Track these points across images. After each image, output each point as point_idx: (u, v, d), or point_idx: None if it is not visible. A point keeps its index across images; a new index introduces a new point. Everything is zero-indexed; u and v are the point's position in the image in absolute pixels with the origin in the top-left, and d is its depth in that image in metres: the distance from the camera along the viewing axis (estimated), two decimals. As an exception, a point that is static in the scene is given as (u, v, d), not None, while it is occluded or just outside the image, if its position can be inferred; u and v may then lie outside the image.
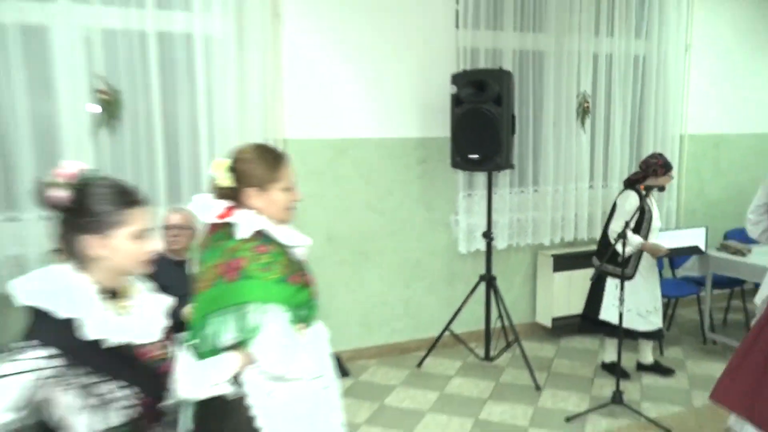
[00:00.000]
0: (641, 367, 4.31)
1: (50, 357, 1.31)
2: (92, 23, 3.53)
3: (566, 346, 4.81)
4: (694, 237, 4.29)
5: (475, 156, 4.11)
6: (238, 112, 3.86)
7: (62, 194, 1.37)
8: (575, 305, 4.79)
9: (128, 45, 3.62)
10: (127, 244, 1.42)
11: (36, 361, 1.30)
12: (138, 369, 1.45)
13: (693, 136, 5.53)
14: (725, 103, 5.67)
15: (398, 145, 4.45)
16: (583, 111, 4.95)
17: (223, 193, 1.84)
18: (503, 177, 4.70)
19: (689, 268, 4.69)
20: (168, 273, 3.32)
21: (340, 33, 4.18)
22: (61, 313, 1.36)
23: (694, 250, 4.34)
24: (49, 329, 1.34)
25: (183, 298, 3.26)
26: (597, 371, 4.32)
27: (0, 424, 1.28)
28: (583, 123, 4.97)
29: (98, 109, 3.59)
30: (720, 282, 4.84)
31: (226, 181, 1.83)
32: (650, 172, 3.93)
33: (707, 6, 5.43)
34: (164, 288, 3.38)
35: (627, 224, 3.59)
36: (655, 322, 4.08)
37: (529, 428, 3.54)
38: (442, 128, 4.43)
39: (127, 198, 1.44)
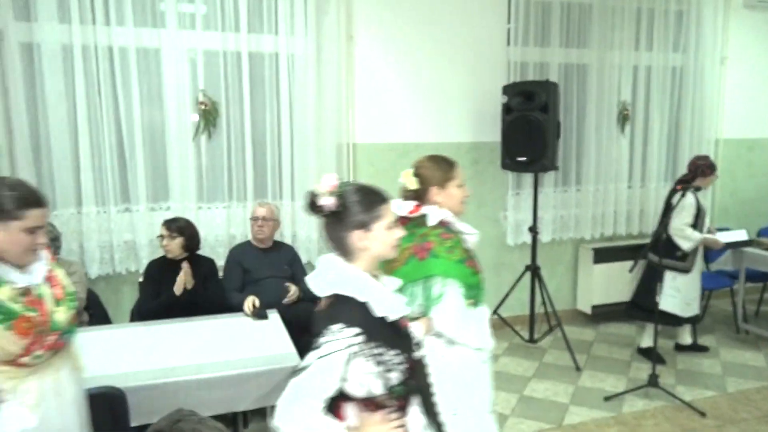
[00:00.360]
0: (681, 348, 4.21)
1: (356, 335, 1.40)
2: (196, 45, 3.67)
3: (604, 332, 4.70)
4: (737, 236, 4.21)
5: (523, 158, 4.07)
6: (316, 120, 3.92)
7: (330, 201, 1.46)
8: (614, 294, 4.71)
9: (225, 63, 3.74)
10: (384, 234, 1.50)
11: (347, 339, 1.39)
12: (404, 338, 1.54)
13: (728, 140, 5.28)
14: (759, 109, 5.37)
15: (453, 148, 4.43)
16: (623, 118, 4.82)
17: (409, 194, 2.07)
18: (548, 177, 4.64)
19: (723, 263, 4.51)
20: (252, 258, 3.45)
21: (404, 52, 4.20)
22: (360, 297, 1.45)
23: (745, 244, 4.24)
24: (350, 312, 1.43)
25: (264, 280, 3.39)
26: (633, 355, 4.20)
27: (330, 395, 1.39)
28: (622, 128, 4.83)
29: (199, 117, 3.74)
30: (753, 276, 4.61)
31: (413, 184, 2.04)
32: (698, 173, 3.84)
33: (742, 21, 5.17)
34: (248, 271, 3.54)
35: (666, 221, 3.52)
36: (695, 308, 3.99)
37: (569, 405, 3.49)
38: (492, 134, 4.41)
39: (378, 197, 1.53)
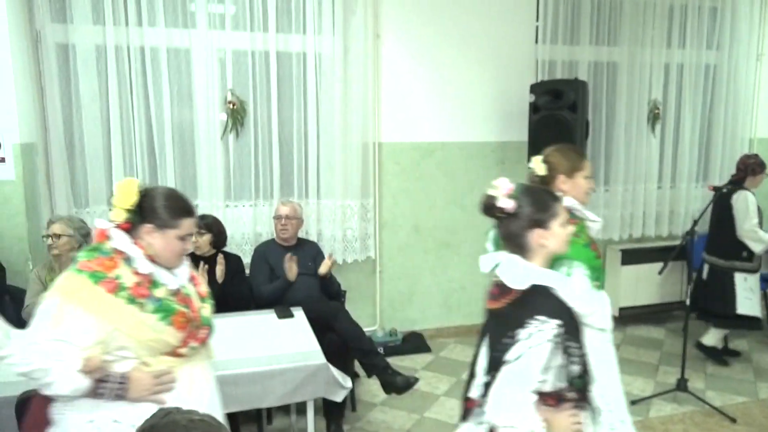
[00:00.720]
0: (705, 349, 4.09)
1: (559, 326, 1.43)
2: (225, 45, 3.70)
3: (632, 334, 4.60)
4: None
5: (550, 158, 4.01)
6: (342, 119, 3.92)
7: (509, 204, 1.54)
8: (642, 296, 4.63)
9: (253, 63, 3.76)
10: (560, 231, 1.56)
11: (552, 330, 1.42)
12: (580, 330, 1.56)
13: (762, 139, 5.10)
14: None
15: (479, 147, 4.40)
16: (654, 117, 4.70)
17: (536, 181, 2.12)
18: (576, 177, 4.56)
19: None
20: (277, 256, 3.47)
21: (431, 50, 4.17)
22: (558, 289, 1.50)
23: None
24: (551, 304, 1.47)
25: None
26: (661, 358, 4.10)
27: (537, 387, 1.42)
28: (653, 128, 4.72)
29: (227, 117, 3.77)
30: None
31: (542, 170, 2.11)
32: (749, 171, 3.75)
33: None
34: (273, 269, 3.56)
35: (696, 222, 3.43)
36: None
37: (595, 407, 3.43)
38: (519, 133, 4.33)
39: (552, 196, 1.62)
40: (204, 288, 1.82)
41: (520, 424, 1.40)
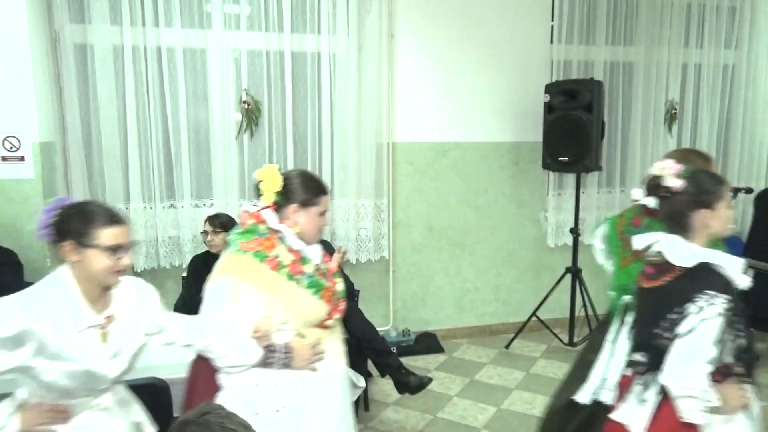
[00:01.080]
0: None
1: (728, 301, 1.49)
2: (240, 46, 3.71)
3: (647, 337, 4.55)
4: None
5: (565, 158, 3.98)
6: (356, 118, 3.92)
7: (678, 183, 1.59)
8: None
9: (268, 63, 3.78)
10: (725, 212, 1.61)
11: (723, 304, 1.48)
12: (743, 307, 1.59)
13: (782, 140, 5.04)
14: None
15: (493, 148, 4.38)
16: (671, 117, 4.65)
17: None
18: (591, 177, 4.51)
19: None
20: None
21: (445, 50, 4.15)
22: (727, 267, 1.54)
23: None
24: (719, 280, 1.52)
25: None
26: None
27: (711, 359, 1.47)
28: (670, 128, 4.67)
29: (242, 116, 3.78)
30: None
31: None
32: None
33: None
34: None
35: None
36: None
37: (610, 410, 3.39)
38: (533, 133, 4.31)
39: (719, 179, 1.64)
40: (334, 264, 1.95)
41: (699, 394, 1.46)
